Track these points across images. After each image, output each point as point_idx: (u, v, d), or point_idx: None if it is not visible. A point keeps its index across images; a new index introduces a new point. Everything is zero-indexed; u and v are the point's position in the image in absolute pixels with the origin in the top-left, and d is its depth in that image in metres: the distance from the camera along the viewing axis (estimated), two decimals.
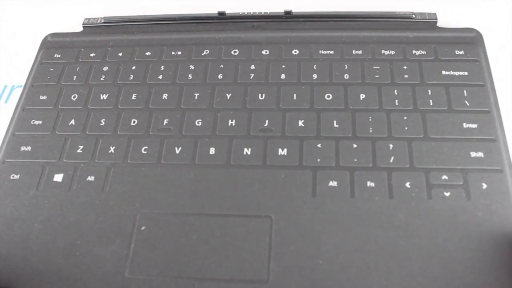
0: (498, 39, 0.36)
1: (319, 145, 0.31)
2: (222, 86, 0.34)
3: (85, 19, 0.40)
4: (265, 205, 0.29)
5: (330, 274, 0.27)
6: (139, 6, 0.42)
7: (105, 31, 0.40)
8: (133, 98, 0.34)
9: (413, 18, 0.37)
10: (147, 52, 0.37)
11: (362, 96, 0.33)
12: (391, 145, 0.30)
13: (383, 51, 0.35)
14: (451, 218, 0.28)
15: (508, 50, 0.36)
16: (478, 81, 0.33)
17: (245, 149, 0.31)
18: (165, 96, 0.34)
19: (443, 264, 0.26)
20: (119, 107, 0.34)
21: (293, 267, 0.27)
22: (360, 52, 0.35)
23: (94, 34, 0.39)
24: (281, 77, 0.34)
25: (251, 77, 0.34)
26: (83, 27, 0.40)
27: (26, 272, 0.28)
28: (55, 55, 0.38)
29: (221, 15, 0.38)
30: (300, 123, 0.32)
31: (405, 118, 0.31)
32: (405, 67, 0.34)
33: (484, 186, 0.29)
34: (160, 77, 0.35)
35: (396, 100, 0.32)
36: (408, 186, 0.29)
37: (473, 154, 0.30)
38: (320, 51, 0.35)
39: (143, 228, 0.29)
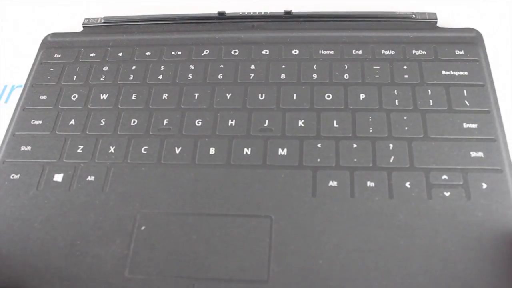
0: (498, 39, 0.36)
1: (319, 145, 0.31)
2: (222, 86, 0.34)
3: (85, 19, 0.40)
4: (265, 205, 0.29)
5: (330, 274, 0.27)
6: (139, 6, 0.42)
7: (105, 31, 0.40)
8: (133, 98, 0.34)
9: (413, 18, 0.37)
10: (147, 52, 0.37)
11: (362, 96, 0.33)
12: (391, 145, 0.30)
13: (383, 51, 0.35)
14: (451, 218, 0.28)
15: (508, 50, 0.36)
16: (478, 81, 0.33)
17: (245, 149, 0.31)
18: (165, 96, 0.34)
19: (443, 264, 0.26)
20: (119, 107, 0.34)
21: (293, 267, 0.27)
22: (360, 52, 0.35)
23: (94, 34, 0.39)
24: (281, 77, 0.34)
25: (251, 77, 0.34)
26: (83, 27, 0.40)
27: (26, 272, 0.28)
28: (55, 55, 0.38)
29: (221, 15, 0.38)
30: (300, 123, 0.32)
31: (405, 118, 0.31)
32: (405, 67, 0.34)
33: (484, 186, 0.29)
34: (160, 77, 0.35)
35: (396, 100, 0.32)
36: (408, 186, 0.29)
37: (473, 154, 0.30)
38: (320, 51, 0.35)
39: (143, 228, 0.29)
